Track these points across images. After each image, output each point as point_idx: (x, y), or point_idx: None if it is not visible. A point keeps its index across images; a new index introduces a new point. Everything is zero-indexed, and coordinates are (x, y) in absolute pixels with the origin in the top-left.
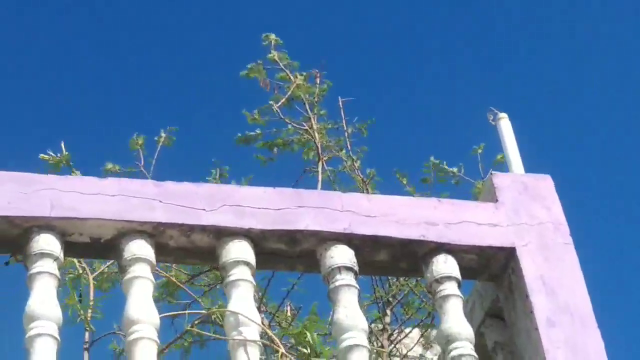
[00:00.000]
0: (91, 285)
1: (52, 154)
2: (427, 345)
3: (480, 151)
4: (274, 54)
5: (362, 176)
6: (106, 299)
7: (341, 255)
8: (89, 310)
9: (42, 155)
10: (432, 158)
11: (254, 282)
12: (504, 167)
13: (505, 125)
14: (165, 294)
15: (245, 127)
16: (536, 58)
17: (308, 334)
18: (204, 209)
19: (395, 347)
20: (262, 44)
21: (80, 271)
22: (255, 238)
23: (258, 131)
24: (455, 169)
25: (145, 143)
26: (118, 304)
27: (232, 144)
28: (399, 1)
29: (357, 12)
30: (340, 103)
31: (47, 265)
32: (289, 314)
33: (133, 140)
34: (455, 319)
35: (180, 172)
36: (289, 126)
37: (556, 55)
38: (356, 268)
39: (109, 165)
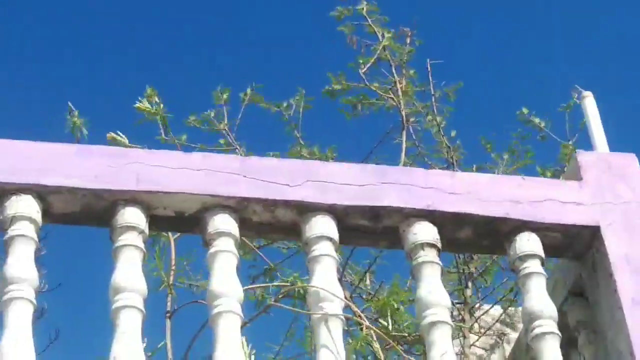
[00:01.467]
0: (173, 248)
1: (148, 105)
2: (508, 323)
3: (568, 110)
4: (363, 6)
5: (447, 142)
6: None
7: (424, 232)
8: (171, 276)
9: (138, 104)
10: (523, 108)
11: (337, 258)
12: (588, 143)
13: (589, 104)
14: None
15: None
16: (627, 33)
17: (394, 303)
18: (288, 185)
19: (477, 321)
20: None
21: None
22: (339, 214)
23: (344, 84)
24: (542, 123)
25: (230, 98)
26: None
27: (316, 100)
28: None
29: None
30: (429, 65)
31: (132, 238)
32: (368, 284)
33: (217, 93)
34: (539, 297)
35: (261, 128)
36: (375, 88)
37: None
38: (439, 245)
39: (192, 118)
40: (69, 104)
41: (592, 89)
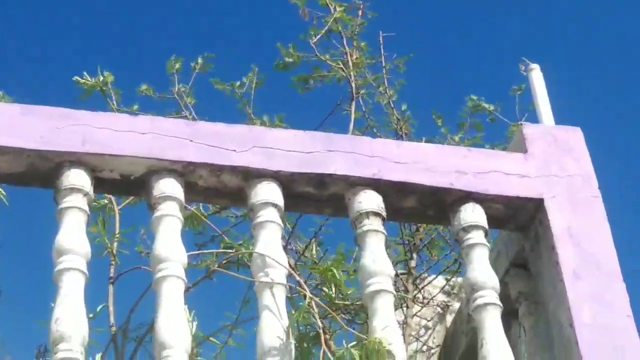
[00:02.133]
0: (117, 217)
1: (88, 78)
2: (451, 293)
3: (519, 92)
4: None
5: (397, 114)
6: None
7: (369, 200)
8: (115, 243)
9: (76, 77)
10: (471, 95)
11: (281, 224)
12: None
13: (536, 77)
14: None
15: (282, 58)
16: (575, 8)
17: (335, 271)
18: (235, 150)
19: (420, 292)
20: None
21: (107, 202)
22: (284, 180)
23: (296, 58)
24: (492, 107)
25: (182, 68)
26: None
27: (267, 73)
28: None
29: None
30: (381, 38)
31: (76, 200)
32: (314, 253)
33: (170, 63)
34: (481, 268)
35: (214, 101)
36: (326, 60)
37: (595, 6)
38: (384, 214)
39: (144, 87)
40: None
41: (540, 63)
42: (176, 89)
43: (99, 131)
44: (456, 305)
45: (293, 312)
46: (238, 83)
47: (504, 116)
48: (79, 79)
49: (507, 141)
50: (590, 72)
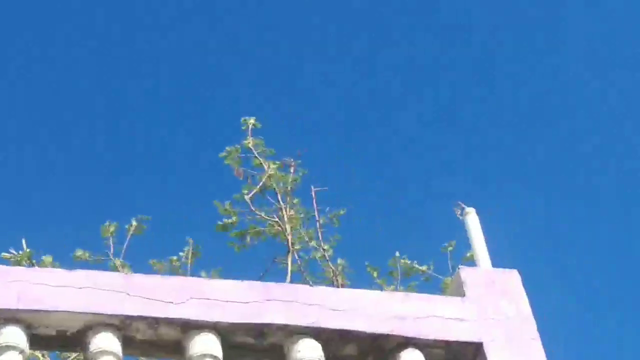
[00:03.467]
0: None
1: (14, 252)
2: None
3: (450, 249)
4: (249, 141)
5: (333, 267)
6: None
7: (308, 349)
8: None
9: (3, 254)
10: (397, 254)
11: None
12: (473, 263)
13: (472, 220)
14: None
15: (218, 215)
16: (507, 150)
17: None
18: (172, 302)
19: None
20: (241, 127)
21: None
22: (223, 331)
23: (234, 219)
24: (424, 267)
25: (116, 231)
26: None
27: (204, 232)
28: (381, 94)
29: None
30: (313, 193)
31: (12, 358)
32: None
33: (104, 227)
34: None
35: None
36: (261, 216)
37: (527, 145)
38: None
39: (79, 252)
40: None
41: (475, 205)
42: (111, 252)
43: (34, 287)
44: None
45: None
46: (175, 257)
47: (438, 269)
48: (6, 254)
49: (442, 293)
50: (526, 213)
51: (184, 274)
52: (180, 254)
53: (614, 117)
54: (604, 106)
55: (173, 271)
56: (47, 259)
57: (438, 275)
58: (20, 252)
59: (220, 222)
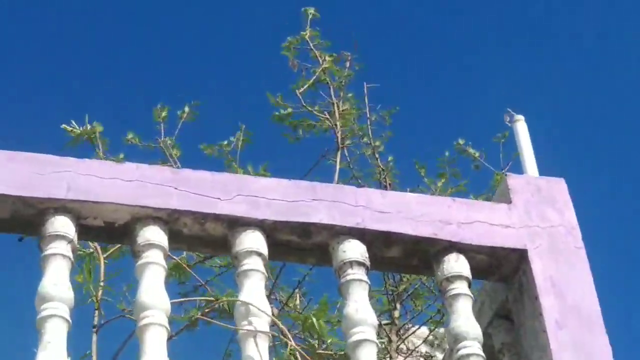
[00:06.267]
0: (102, 265)
1: (76, 126)
2: (434, 344)
3: (503, 140)
4: (307, 32)
5: (382, 165)
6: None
7: (353, 249)
8: (100, 291)
9: (64, 125)
10: (458, 139)
11: (265, 273)
12: (520, 167)
13: (521, 128)
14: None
15: (269, 107)
16: (558, 59)
17: (315, 321)
18: (219, 198)
19: (403, 342)
20: (301, 17)
21: (92, 251)
22: (268, 229)
23: (289, 110)
24: (477, 153)
25: (168, 116)
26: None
27: (255, 122)
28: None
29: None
30: (365, 89)
31: (61, 247)
32: (298, 302)
33: (156, 110)
34: (465, 318)
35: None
36: (313, 110)
37: (578, 57)
38: (368, 263)
39: (130, 135)
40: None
41: (525, 114)
42: (162, 138)
43: (84, 178)
44: (439, 356)
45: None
46: (225, 142)
47: (489, 163)
48: (67, 127)
49: (490, 189)
50: (574, 123)
51: (234, 160)
52: (232, 138)
53: None
54: None
55: (223, 156)
56: (98, 127)
57: (489, 166)
58: (82, 127)
59: (276, 113)
